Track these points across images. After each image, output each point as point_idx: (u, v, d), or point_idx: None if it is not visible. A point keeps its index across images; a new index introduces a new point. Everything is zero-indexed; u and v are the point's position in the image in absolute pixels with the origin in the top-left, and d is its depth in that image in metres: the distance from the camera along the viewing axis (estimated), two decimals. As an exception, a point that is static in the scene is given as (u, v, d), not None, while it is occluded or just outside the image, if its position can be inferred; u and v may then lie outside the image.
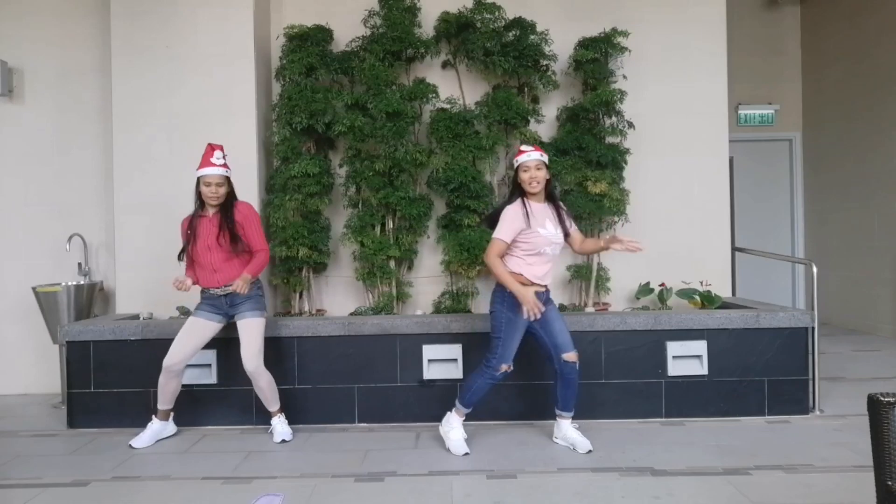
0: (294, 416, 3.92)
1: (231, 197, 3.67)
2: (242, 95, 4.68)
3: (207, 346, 3.80)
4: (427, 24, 4.91)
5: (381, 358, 4.04)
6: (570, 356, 3.41)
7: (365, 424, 4.02)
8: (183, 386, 3.77)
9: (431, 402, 3.99)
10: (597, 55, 4.73)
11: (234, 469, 3.31)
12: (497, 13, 4.77)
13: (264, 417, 3.89)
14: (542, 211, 3.40)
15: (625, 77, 4.86)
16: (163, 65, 4.66)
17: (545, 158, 3.40)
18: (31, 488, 3.10)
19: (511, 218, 3.32)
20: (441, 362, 4.02)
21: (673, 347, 3.99)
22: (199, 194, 3.63)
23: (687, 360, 4.00)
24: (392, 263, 4.73)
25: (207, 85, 4.66)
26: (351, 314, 4.71)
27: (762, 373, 3.98)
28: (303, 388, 4.03)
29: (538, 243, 3.32)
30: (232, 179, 3.67)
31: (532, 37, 4.75)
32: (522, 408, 3.97)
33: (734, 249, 5.38)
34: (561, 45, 4.84)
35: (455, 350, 4.01)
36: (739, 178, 7.16)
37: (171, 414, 3.81)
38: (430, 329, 4.03)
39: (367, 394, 4.03)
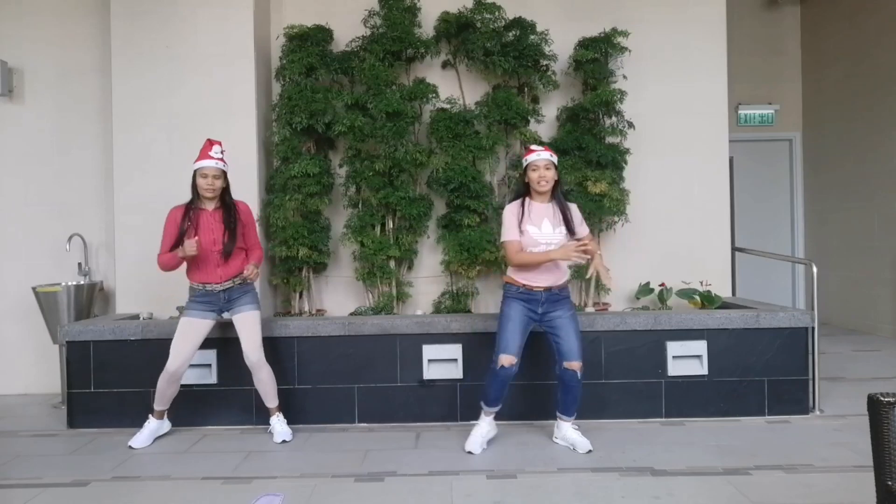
0: (294, 416, 3.92)
1: (228, 192, 3.69)
2: (242, 95, 4.68)
3: (207, 347, 3.81)
4: (427, 24, 4.91)
5: (381, 358, 4.04)
6: (573, 365, 3.39)
7: (365, 424, 4.02)
8: (183, 386, 3.76)
9: (431, 402, 4.00)
10: (597, 55, 4.73)
11: (234, 469, 3.31)
12: (497, 13, 4.77)
13: (264, 417, 3.89)
14: (542, 211, 3.42)
15: (625, 77, 4.86)
16: (163, 65, 4.66)
17: (555, 159, 3.45)
18: (31, 488, 3.10)
19: (507, 218, 3.42)
20: (441, 362, 4.03)
21: (673, 347, 3.99)
22: (195, 187, 3.65)
23: (687, 360, 4.00)
24: (392, 263, 4.74)
25: (207, 85, 4.66)
26: (351, 314, 4.71)
27: (762, 373, 3.98)
28: (303, 388, 4.03)
29: (524, 242, 3.37)
30: (229, 176, 3.68)
31: (532, 37, 4.75)
32: (522, 408, 3.96)
33: (734, 249, 5.37)
34: (561, 45, 4.85)
35: (455, 350, 4.01)
36: (739, 178, 7.15)
37: (166, 412, 3.82)
38: (430, 329, 4.03)
39: (367, 394, 4.04)
